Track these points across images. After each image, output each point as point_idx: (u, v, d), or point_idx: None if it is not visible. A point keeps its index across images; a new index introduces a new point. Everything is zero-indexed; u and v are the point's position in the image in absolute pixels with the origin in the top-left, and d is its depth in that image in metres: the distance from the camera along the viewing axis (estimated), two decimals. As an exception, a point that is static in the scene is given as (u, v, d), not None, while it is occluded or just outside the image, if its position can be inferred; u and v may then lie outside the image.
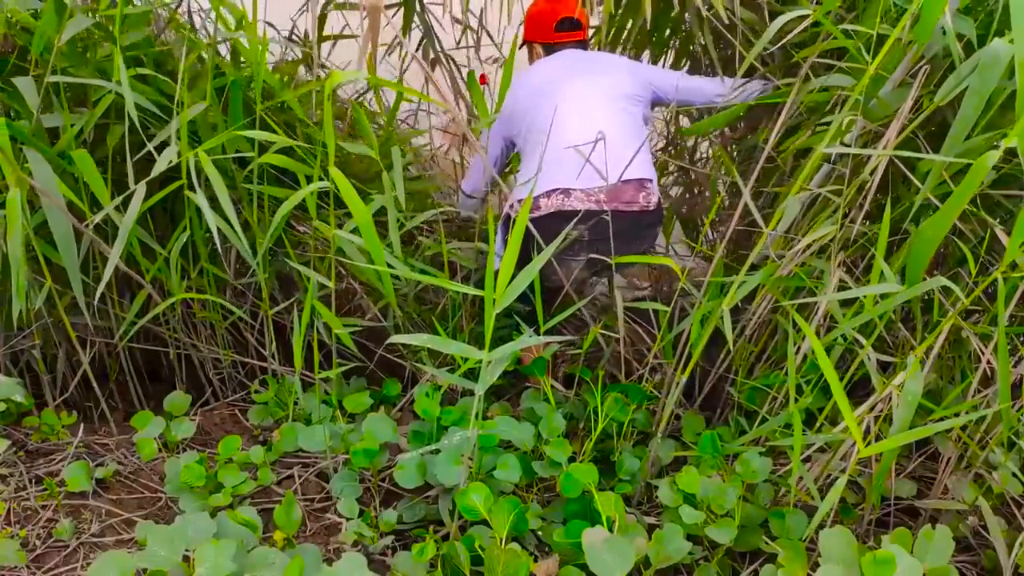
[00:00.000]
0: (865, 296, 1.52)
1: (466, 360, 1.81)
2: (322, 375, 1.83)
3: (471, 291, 1.46)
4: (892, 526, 1.71)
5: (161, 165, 1.57)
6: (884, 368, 1.79)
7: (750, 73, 2.16)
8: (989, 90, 1.39)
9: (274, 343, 2.08)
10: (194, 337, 2.11)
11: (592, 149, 1.99)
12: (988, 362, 1.52)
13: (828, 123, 1.69)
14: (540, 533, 1.62)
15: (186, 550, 1.34)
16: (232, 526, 1.48)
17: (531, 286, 1.47)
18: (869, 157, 1.65)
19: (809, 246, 1.69)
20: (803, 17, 1.65)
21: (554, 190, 2.02)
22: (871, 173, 1.63)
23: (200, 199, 1.62)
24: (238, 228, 1.67)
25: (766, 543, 1.57)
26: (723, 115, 2.12)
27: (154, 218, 1.96)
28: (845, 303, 1.78)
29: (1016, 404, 1.60)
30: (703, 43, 2.23)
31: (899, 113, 1.59)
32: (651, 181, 2.10)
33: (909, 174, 1.63)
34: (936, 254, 1.98)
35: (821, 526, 1.48)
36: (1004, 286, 1.35)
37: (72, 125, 1.66)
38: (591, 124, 2.05)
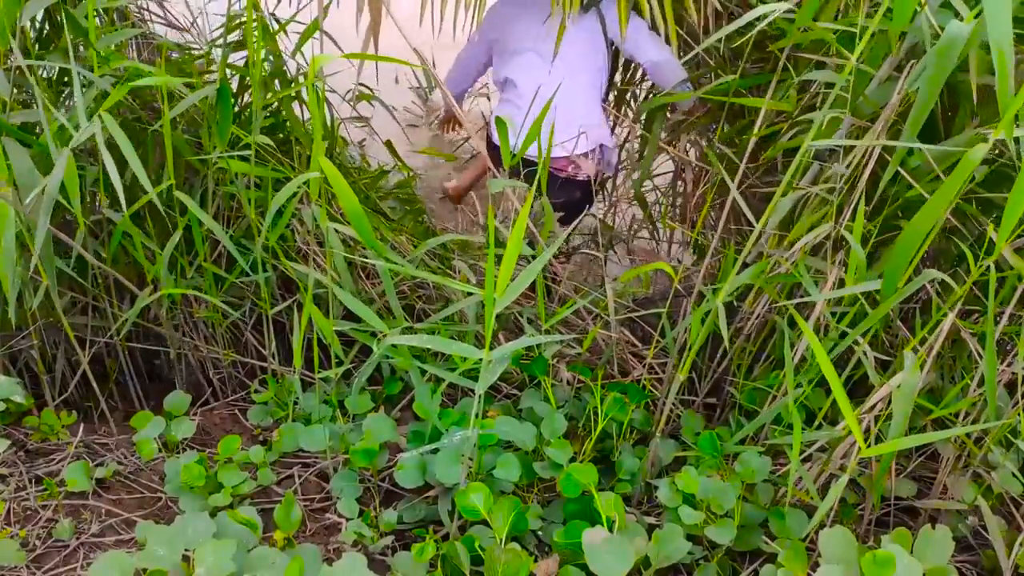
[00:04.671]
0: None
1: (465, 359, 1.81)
2: (322, 375, 1.83)
3: (472, 289, 1.46)
4: (892, 526, 1.71)
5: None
6: (884, 369, 1.79)
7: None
8: (946, 72, 1.36)
9: (274, 343, 2.08)
10: (194, 337, 2.11)
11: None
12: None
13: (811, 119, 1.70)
14: (540, 533, 1.62)
15: (186, 550, 1.34)
16: (232, 526, 1.48)
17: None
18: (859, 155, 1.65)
19: (805, 243, 1.69)
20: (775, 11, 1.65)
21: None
22: (861, 168, 1.63)
23: (189, 201, 1.61)
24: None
25: (766, 543, 1.57)
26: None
27: (154, 217, 1.96)
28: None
29: (1013, 402, 1.60)
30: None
31: (887, 108, 1.59)
32: (588, 153, 2.43)
33: (900, 170, 1.63)
34: (933, 253, 1.98)
35: (821, 526, 1.48)
36: (994, 274, 1.35)
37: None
38: (560, 83, 2.28)
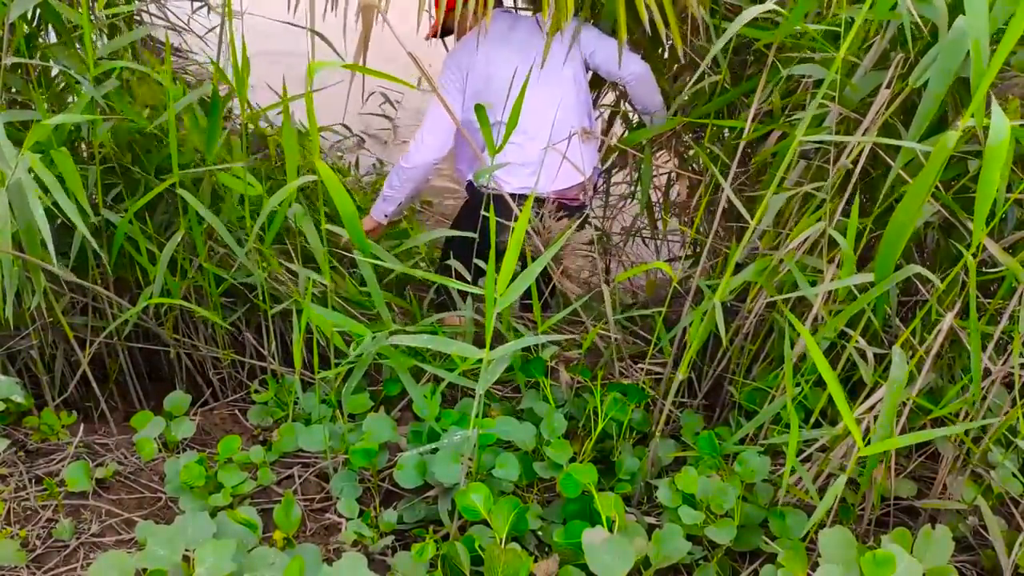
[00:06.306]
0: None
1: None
2: (322, 375, 1.83)
3: (472, 289, 1.46)
4: (892, 526, 1.71)
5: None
6: (885, 370, 1.79)
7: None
8: (954, 67, 1.38)
9: (274, 343, 2.08)
10: (194, 337, 2.11)
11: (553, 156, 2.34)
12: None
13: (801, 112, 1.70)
14: (540, 533, 1.62)
15: (186, 550, 1.34)
16: (232, 526, 1.48)
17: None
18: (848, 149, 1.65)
19: (800, 241, 1.69)
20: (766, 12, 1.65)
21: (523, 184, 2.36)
22: (852, 162, 1.63)
23: (191, 199, 1.61)
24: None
25: (766, 543, 1.57)
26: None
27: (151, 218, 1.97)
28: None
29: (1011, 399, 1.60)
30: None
31: (877, 102, 1.59)
32: (589, 178, 2.48)
33: (891, 162, 1.63)
34: (928, 253, 1.98)
35: (821, 526, 1.48)
36: (974, 266, 1.37)
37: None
38: (549, 117, 2.33)
